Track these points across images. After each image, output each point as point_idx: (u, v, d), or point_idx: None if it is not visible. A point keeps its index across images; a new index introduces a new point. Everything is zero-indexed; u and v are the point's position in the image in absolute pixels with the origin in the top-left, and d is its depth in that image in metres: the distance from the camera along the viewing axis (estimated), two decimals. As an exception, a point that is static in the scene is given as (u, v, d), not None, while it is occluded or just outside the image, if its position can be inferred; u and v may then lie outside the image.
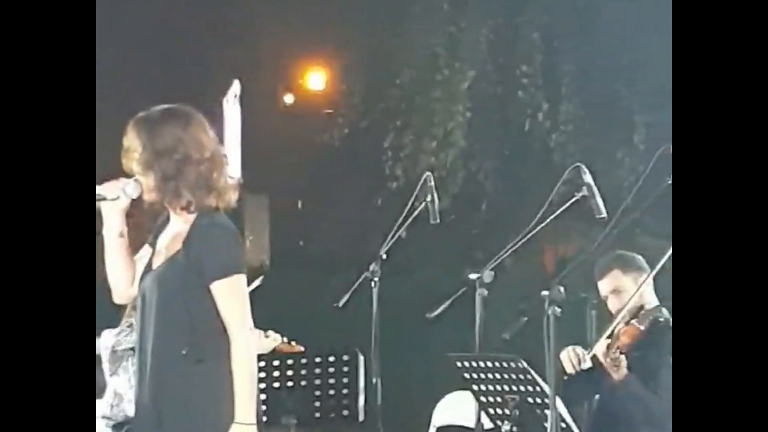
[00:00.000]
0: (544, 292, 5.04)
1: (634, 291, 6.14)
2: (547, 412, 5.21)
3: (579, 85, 13.13)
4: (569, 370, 6.02)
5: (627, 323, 6.15)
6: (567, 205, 5.44)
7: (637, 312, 6.19)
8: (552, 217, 5.47)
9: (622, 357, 5.97)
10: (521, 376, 5.44)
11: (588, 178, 5.41)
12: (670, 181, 5.26)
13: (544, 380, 5.32)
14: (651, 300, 6.29)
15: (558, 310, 4.98)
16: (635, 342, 6.09)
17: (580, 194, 5.41)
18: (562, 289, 5.02)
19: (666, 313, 6.23)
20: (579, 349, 6.05)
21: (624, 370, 5.96)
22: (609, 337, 6.09)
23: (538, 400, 5.42)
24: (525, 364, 5.42)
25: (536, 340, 5.09)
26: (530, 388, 5.44)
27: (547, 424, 5.18)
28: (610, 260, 6.37)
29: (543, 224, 5.49)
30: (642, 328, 6.12)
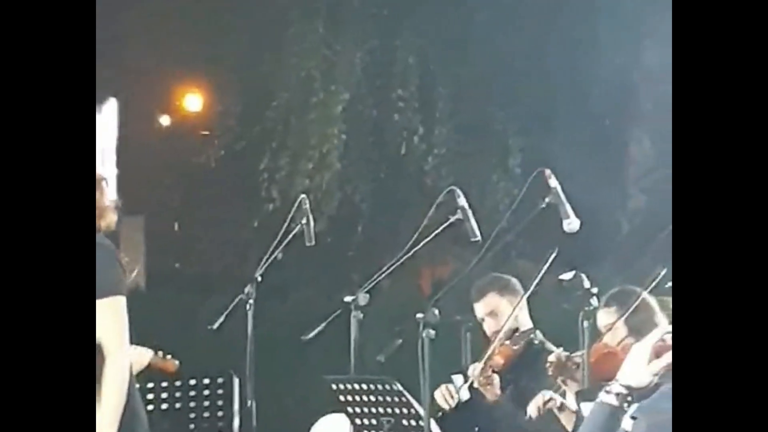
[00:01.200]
0: (419, 315, 5.06)
1: (510, 313, 6.21)
2: (423, 434, 5.24)
3: (454, 109, 13.26)
4: (444, 406, 6.05)
5: (501, 345, 6.21)
6: (441, 228, 5.47)
7: (512, 334, 6.25)
8: (427, 240, 5.50)
9: (495, 376, 6.02)
10: (396, 399, 5.46)
11: (462, 201, 5.46)
12: (543, 205, 5.34)
13: (419, 402, 5.34)
14: (525, 322, 6.36)
15: (432, 332, 5.01)
16: (509, 363, 6.15)
17: (455, 217, 5.45)
18: (436, 311, 5.06)
19: (540, 336, 6.30)
20: (451, 387, 6.08)
21: (497, 390, 6.02)
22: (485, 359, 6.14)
23: (413, 423, 5.44)
24: (400, 387, 5.43)
25: (411, 363, 5.12)
26: (405, 411, 5.45)
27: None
28: (486, 282, 6.42)
29: (418, 247, 5.53)
30: (516, 348, 6.19)
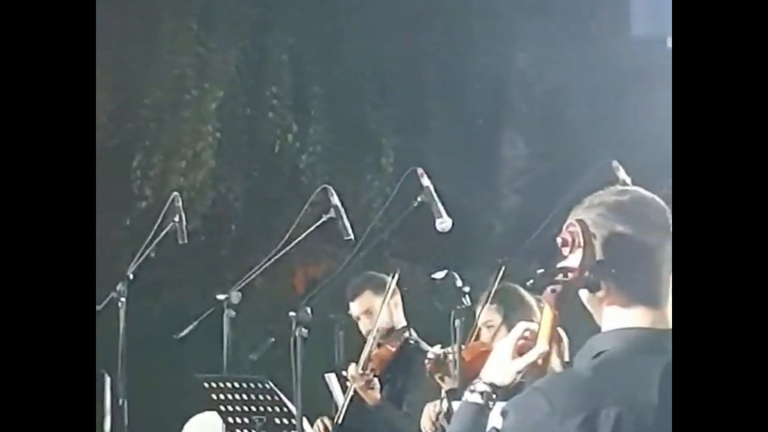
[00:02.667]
0: (292, 313, 5.07)
1: (385, 312, 6.24)
2: (294, 432, 5.24)
3: (328, 108, 13.28)
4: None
5: (379, 345, 6.23)
6: (314, 226, 5.48)
7: (388, 334, 6.28)
8: (300, 238, 5.51)
9: (375, 380, 6.04)
10: (268, 397, 5.46)
11: (335, 199, 5.48)
12: (416, 204, 5.38)
13: (291, 401, 5.34)
14: (400, 321, 6.40)
15: (305, 331, 5.02)
16: (385, 363, 6.19)
17: (328, 216, 5.47)
18: (309, 310, 5.07)
19: (415, 335, 6.34)
20: (327, 421, 6.12)
21: (377, 394, 6.04)
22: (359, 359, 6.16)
23: (285, 421, 5.45)
24: (272, 385, 5.43)
25: (284, 361, 5.12)
26: (277, 409, 5.45)
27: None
28: (362, 281, 6.45)
29: (291, 245, 5.53)
30: (392, 349, 6.22)
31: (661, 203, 3.02)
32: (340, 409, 6.09)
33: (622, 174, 5.19)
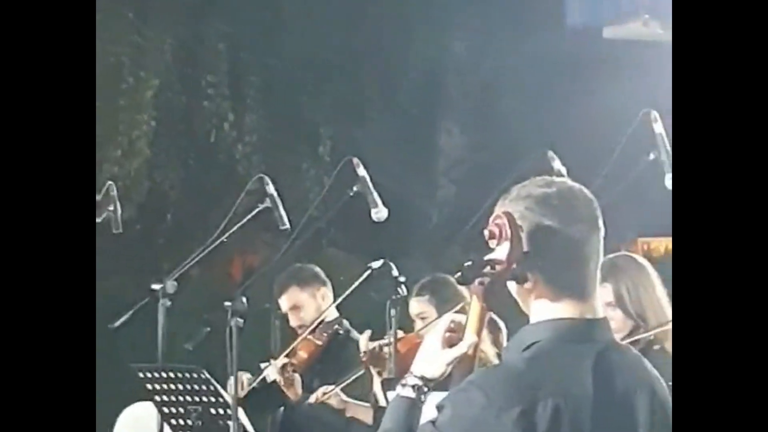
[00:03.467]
0: (227, 303, 5.05)
1: (312, 306, 6.23)
2: (230, 422, 5.22)
3: (264, 97, 13.24)
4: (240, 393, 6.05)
5: (306, 339, 6.21)
6: (250, 216, 5.46)
7: (317, 326, 6.26)
8: (236, 227, 5.48)
9: (297, 377, 6.02)
10: (204, 387, 5.43)
11: (271, 189, 5.46)
12: (352, 194, 5.38)
13: (227, 391, 5.33)
14: (331, 313, 6.38)
15: (241, 320, 5.01)
16: (313, 357, 6.17)
17: (264, 205, 5.45)
18: (245, 299, 5.05)
19: (346, 325, 6.33)
20: (246, 378, 6.08)
21: (299, 390, 6.02)
22: (288, 354, 6.14)
23: (221, 411, 5.42)
24: (207, 375, 5.41)
25: (220, 351, 5.10)
26: (213, 399, 5.43)
27: (230, 435, 5.20)
28: (286, 277, 6.40)
29: (227, 234, 5.50)
30: (319, 343, 6.21)
31: (588, 195, 3.02)
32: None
33: (557, 164, 5.20)
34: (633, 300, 5.12)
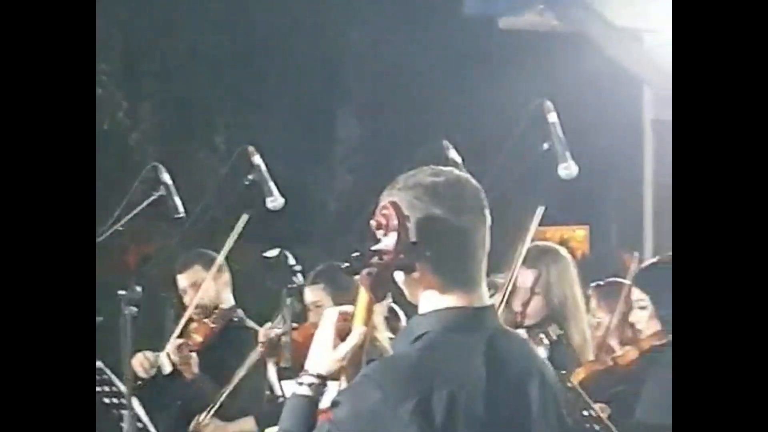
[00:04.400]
0: (121, 292, 5.00)
1: (212, 288, 6.20)
2: (124, 412, 5.18)
3: (159, 85, 13.14)
4: (141, 374, 5.98)
5: (201, 322, 6.19)
6: (144, 204, 5.42)
7: (212, 311, 6.24)
8: (130, 216, 5.43)
9: (193, 355, 6.00)
10: (97, 377, 5.38)
11: (165, 177, 5.41)
12: (247, 182, 5.35)
13: (121, 380, 5.28)
14: (227, 300, 6.36)
15: (134, 309, 4.96)
16: (208, 340, 6.15)
17: (158, 194, 5.40)
18: (139, 288, 5.00)
19: (240, 314, 6.32)
20: (149, 354, 6.02)
21: (194, 369, 5.99)
22: (181, 334, 6.11)
23: (115, 401, 5.38)
24: (101, 364, 5.35)
25: (113, 340, 5.05)
26: (107, 389, 5.38)
27: (124, 425, 5.15)
28: (192, 255, 6.38)
29: (121, 223, 5.45)
30: (214, 326, 6.19)
31: (476, 185, 3.01)
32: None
33: (452, 153, 5.22)
34: (557, 290, 5.20)
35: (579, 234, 11.66)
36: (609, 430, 4.58)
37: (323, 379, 2.98)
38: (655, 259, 5.12)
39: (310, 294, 5.56)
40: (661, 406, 4.70)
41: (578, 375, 4.96)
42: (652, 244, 9.82)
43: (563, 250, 5.44)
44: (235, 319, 6.26)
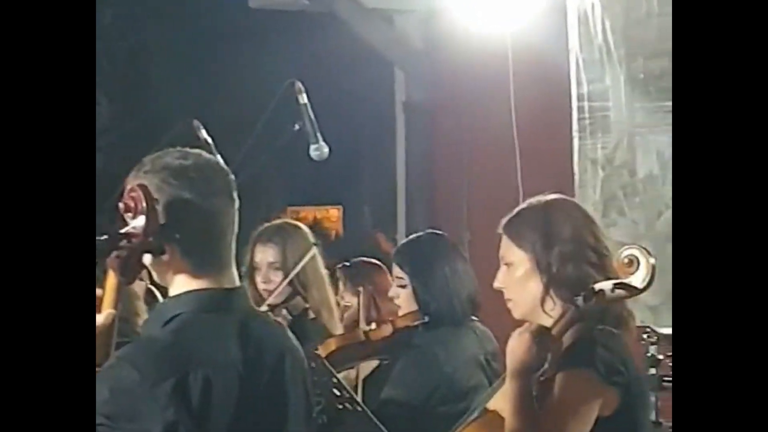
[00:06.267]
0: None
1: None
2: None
3: None
4: None
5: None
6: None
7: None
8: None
9: None
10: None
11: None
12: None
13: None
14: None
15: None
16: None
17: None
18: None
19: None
20: None
21: None
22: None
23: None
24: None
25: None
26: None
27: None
28: None
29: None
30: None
31: (223, 167, 3.06)
32: None
33: (203, 134, 5.18)
34: (295, 266, 5.25)
35: (332, 214, 11.72)
36: (359, 407, 4.62)
37: None
38: (414, 236, 5.17)
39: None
40: (408, 385, 4.79)
41: (328, 346, 4.99)
42: (405, 225, 9.96)
43: (301, 225, 5.49)
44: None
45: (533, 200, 3.67)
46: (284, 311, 5.24)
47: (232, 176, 3.06)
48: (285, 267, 5.31)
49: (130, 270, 2.95)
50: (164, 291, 3.12)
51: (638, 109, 8.40)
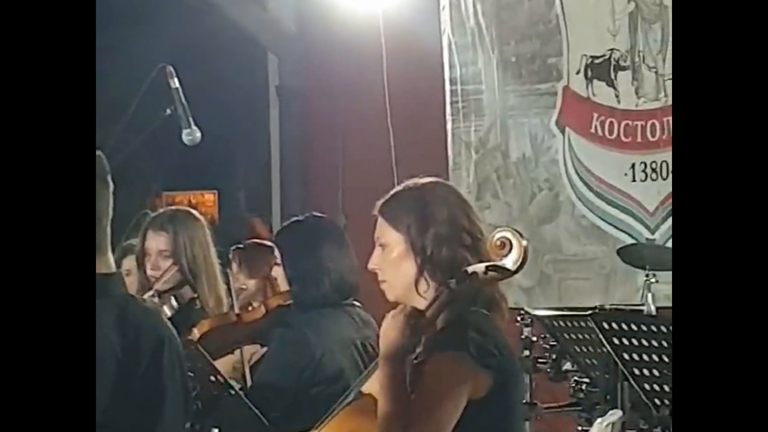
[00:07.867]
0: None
1: None
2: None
3: None
4: None
5: None
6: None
7: None
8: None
9: None
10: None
11: None
12: None
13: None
14: None
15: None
16: None
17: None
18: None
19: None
20: None
21: None
22: None
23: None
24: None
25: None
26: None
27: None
28: None
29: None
30: None
31: (97, 153, 2.99)
32: None
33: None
34: (189, 253, 5.20)
35: (208, 199, 11.66)
36: (233, 391, 4.62)
37: None
38: (295, 219, 5.16)
39: None
40: (280, 367, 4.79)
41: (202, 327, 4.96)
42: (280, 209, 9.96)
43: (195, 213, 5.45)
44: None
45: (409, 182, 3.67)
46: (172, 299, 5.20)
47: (106, 160, 3.00)
48: (176, 255, 5.26)
49: None
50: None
51: (510, 92, 8.50)
